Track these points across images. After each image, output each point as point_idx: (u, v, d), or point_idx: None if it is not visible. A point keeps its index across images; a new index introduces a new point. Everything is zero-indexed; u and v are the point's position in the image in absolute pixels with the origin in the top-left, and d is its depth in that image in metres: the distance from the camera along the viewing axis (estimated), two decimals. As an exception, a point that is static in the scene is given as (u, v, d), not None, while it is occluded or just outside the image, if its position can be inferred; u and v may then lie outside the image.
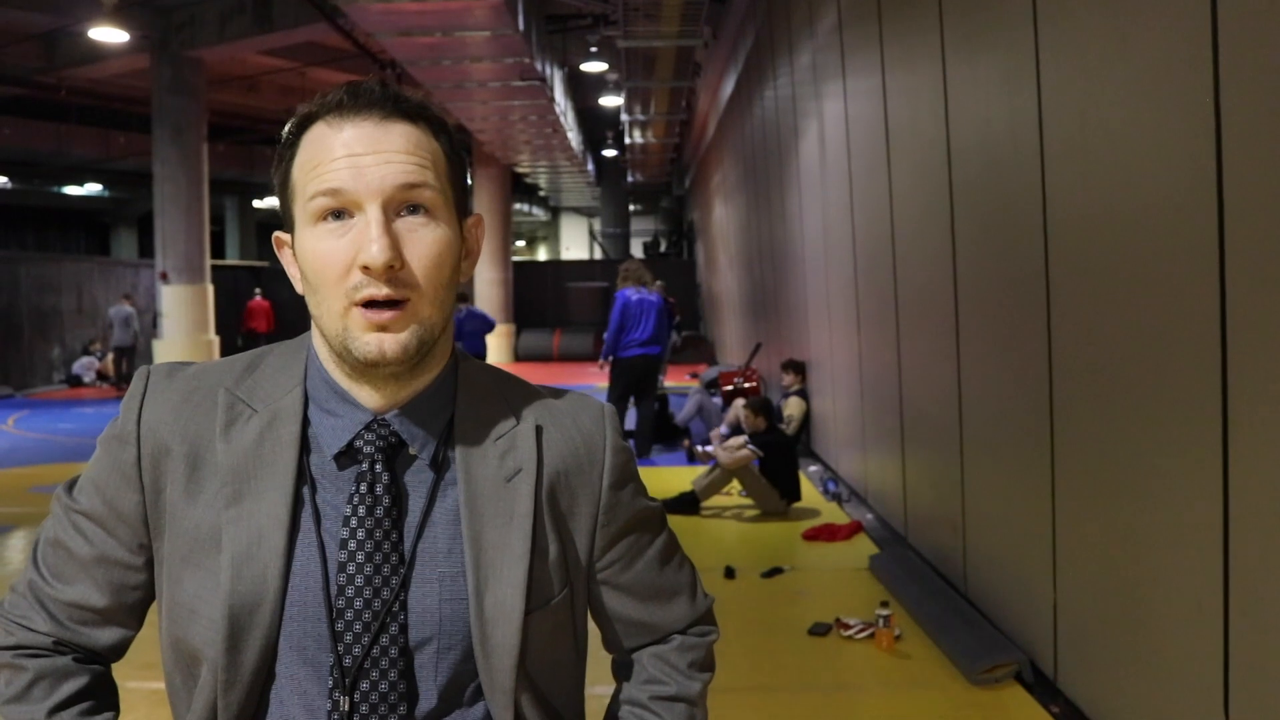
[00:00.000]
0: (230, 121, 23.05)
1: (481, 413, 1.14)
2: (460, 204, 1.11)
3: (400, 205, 1.03)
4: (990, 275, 4.33)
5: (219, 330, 17.15)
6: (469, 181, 1.15)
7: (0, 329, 15.51)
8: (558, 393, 1.23)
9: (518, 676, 1.08)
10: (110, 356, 18.52)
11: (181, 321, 16.27)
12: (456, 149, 1.11)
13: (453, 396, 1.14)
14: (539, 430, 1.15)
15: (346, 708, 1.03)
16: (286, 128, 1.09)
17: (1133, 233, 3.01)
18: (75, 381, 18.76)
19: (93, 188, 28.61)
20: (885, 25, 5.74)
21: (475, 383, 1.16)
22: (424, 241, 1.04)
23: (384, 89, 1.06)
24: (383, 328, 1.02)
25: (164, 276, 16.17)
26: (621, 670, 1.29)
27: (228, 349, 18.24)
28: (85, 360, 19.11)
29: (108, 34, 12.84)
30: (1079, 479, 3.51)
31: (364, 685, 1.04)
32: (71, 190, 28.79)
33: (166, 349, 16.19)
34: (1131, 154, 3.01)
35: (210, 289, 16.72)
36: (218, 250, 24.18)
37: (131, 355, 17.88)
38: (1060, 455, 3.63)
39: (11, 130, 21.83)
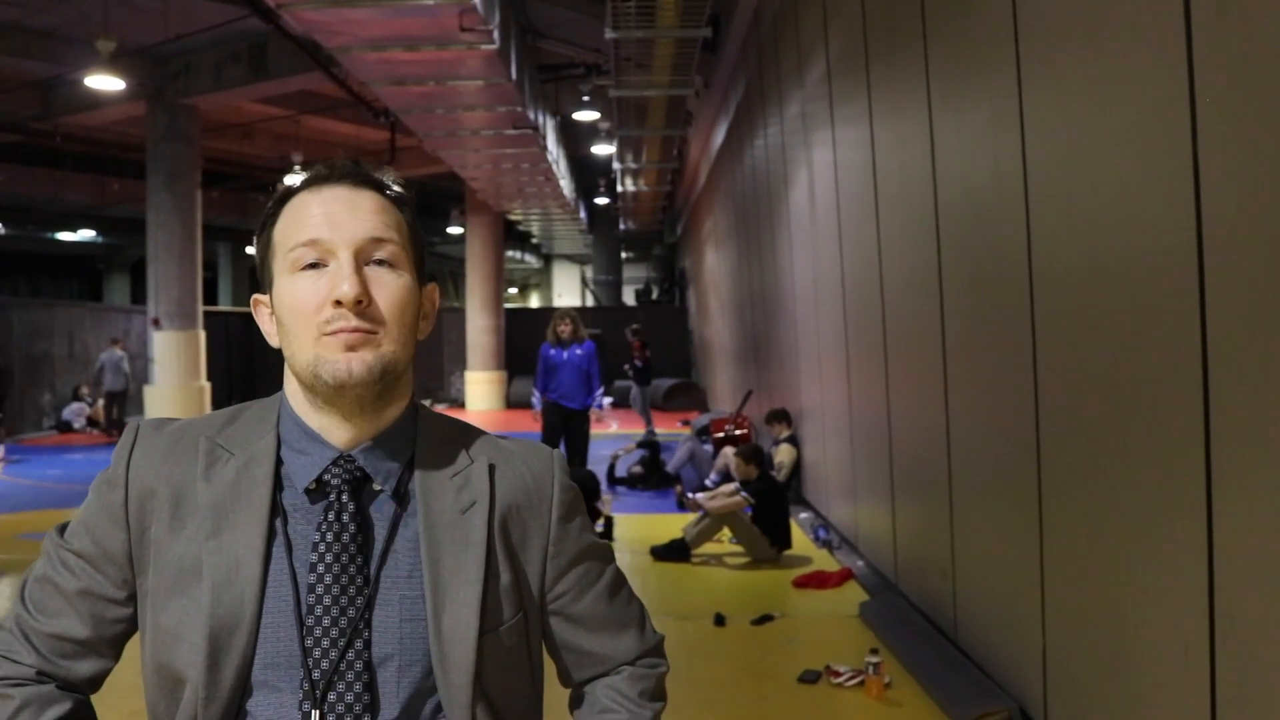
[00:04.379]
0: (224, 168, 23.15)
1: (440, 452, 1.25)
2: (419, 269, 1.24)
3: (369, 255, 1.17)
4: (977, 322, 4.37)
5: (210, 377, 17.11)
6: (425, 254, 1.33)
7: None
8: (510, 439, 1.34)
9: (474, 694, 1.16)
10: (101, 402, 18.46)
11: (173, 367, 16.23)
12: (416, 224, 1.25)
13: (413, 437, 1.24)
14: (492, 468, 1.26)
15: (317, 717, 1.12)
16: (270, 201, 1.24)
17: (1116, 279, 3.04)
18: (65, 427, 18.68)
19: (86, 234, 28.63)
20: (873, 75, 5.82)
21: (434, 426, 1.28)
22: (389, 286, 1.17)
23: (356, 165, 1.22)
24: (351, 348, 1.13)
25: (156, 322, 16.17)
26: (576, 704, 1.37)
27: (219, 396, 18.20)
28: (75, 406, 19.01)
29: (104, 82, 12.91)
30: (1067, 525, 3.53)
31: (331, 696, 1.12)
32: (65, 236, 28.80)
33: (158, 395, 16.14)
34: (1114, 201, 3.05)
35: (202, 335, 16.71)
36: (210, 296, 24.23)
37: (123, 401, 17.81)
38: (1048, 501, 3.65)
39: (6, 176, 21.88)
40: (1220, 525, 2.54)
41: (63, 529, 1.24)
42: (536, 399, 9.54)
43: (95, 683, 1.23)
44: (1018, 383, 3.82)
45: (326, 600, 1.13)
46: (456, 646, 1.15)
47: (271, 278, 1.20)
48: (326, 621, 1.13)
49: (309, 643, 1.13)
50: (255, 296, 1.26)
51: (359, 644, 1.13)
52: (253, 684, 1.13)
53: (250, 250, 30.61)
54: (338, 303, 1.12)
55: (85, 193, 23.81)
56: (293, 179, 1.23)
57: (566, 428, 9.25)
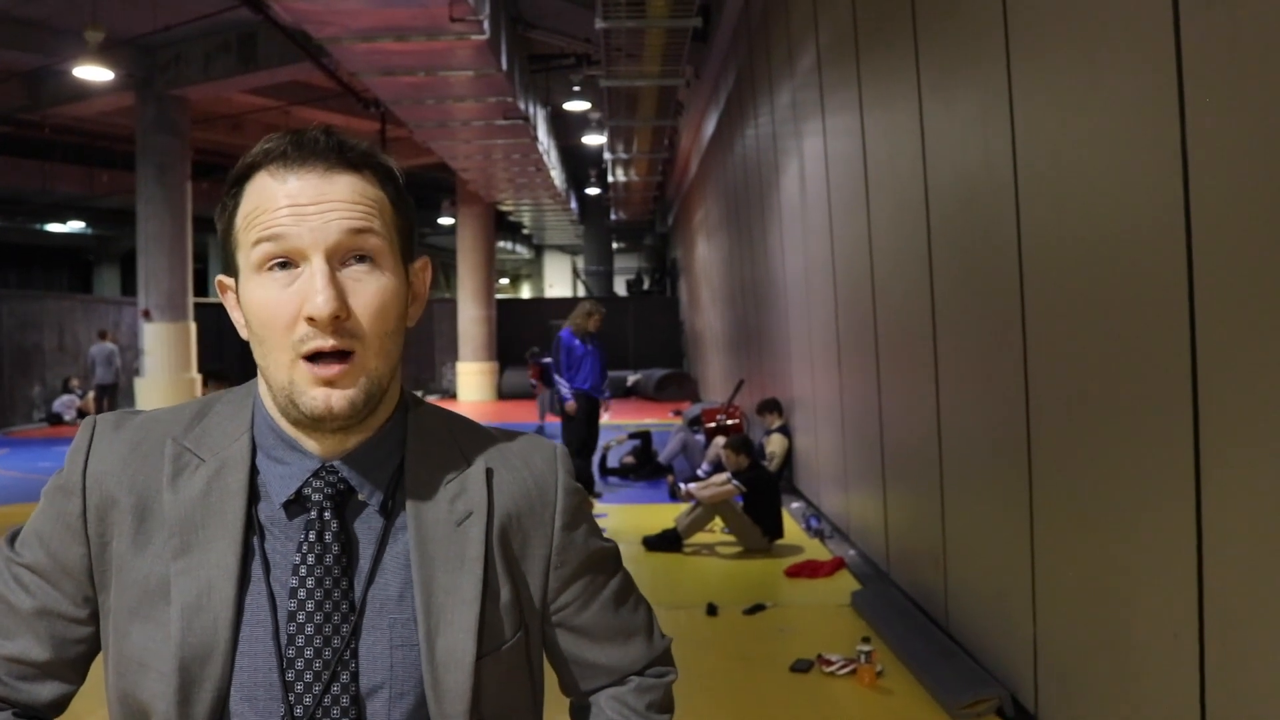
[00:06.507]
0: (214, 160, 23.04)
1: (431, 457, 1.13)
2: (406, 250, 1.11)
3: (345, 254, 1.03)
4: (967, 310, 4.37)
5: (201, 369, 17.07)
6: (415, 226, 1.14)
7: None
8: (510, 434, 1.23)
9: None
10: (91, 394, 18.42)
11: (164, 360, 16.19)
12: (403, 194, 1.11)
13: (402, 441, 1.13)
14: (489, 473, 1.15)
15: None
16: (229, 178, 1.08)
17: (1106, 267, 3.05)
18: (56, 420, 18.63)
19: (76, 225, 28.56)
20: (863, 64, 5.81)
21: (425, 427, 1.16)
22: (369, 291, 1.03)
23: (328, 138, 1.05)
24: (330, 383, 1.02)
25: (146, 314, 16.12)
26: (579, 714, 1.29)
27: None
28: (66, 398, 18.98)
29: (92, 73, 12.86)
30: (1057, 513, 3.54)
31: None
32: (54, 228, 28.72)
33: (148, 387, 16.10)
34: (1103, 190, 3.05)
35: (193, 327, 16.67)
36: (201, 288, 24.09)
37: (114, 393, 17.77)
38: (1038, 489, 3.66)
39: (-6, 168, 21.83)
40: (1209, 511, 2.55)
41: (14, 538, 1.13)
42: (567, 390, 9.41)
43: (58, 707, 1.12)
44: (1008, 370, 3.82)
45: (309, 629, 1.03)
46: (452, 674, 1.05)
47: (237, 269, 1.07)
48: (309, 653, 1.03)
49: (290, 676, 1.03)
50: (220, 279, 1.12)
51: (345, 676, 1.03)
52: (229, 717, 1.03)
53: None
54: (311, 319, 1.00)
55: (74, 184, 23.75)
56: (254, 153, 1.07)
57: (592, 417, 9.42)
